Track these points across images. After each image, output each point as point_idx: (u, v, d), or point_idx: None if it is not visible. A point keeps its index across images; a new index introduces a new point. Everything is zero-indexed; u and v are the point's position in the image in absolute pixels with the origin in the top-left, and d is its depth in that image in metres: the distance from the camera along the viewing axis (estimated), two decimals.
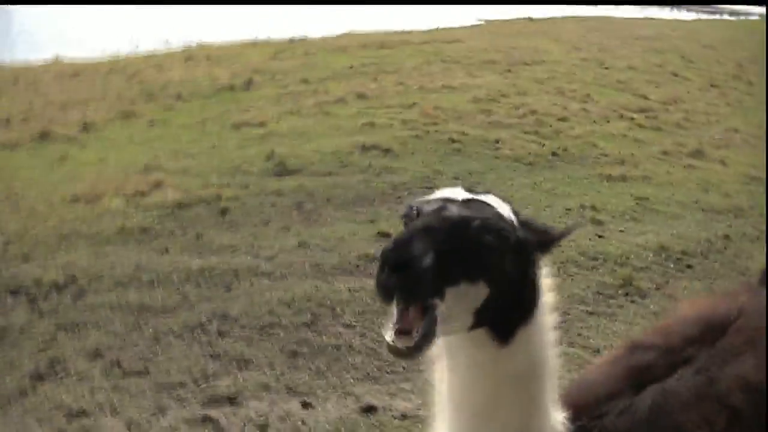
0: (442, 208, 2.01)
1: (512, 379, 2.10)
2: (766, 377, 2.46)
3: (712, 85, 17.49)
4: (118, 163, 10.71)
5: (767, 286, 2.97)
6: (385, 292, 1.88)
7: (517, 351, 2.09)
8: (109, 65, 18.12)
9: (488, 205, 2.07)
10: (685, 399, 2.34)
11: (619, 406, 2.31)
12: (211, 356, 5.91)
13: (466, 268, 1.95)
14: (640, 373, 2.45)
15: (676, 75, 18.42)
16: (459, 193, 2.10)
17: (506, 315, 2.06)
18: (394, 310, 1.95)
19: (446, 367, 2.17)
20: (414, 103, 14.43)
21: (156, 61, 18.65)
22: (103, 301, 6.71)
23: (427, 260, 1.86)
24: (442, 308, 1.92)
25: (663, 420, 2.28)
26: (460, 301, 1.94)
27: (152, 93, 15.09)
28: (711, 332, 2.61)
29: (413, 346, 1.90)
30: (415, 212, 2.04)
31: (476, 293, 1.97)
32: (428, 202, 2.08)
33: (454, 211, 2.00)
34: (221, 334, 6.24)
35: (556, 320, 2.19)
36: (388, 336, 1.93)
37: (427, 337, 1.91)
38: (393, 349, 1.92)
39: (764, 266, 3.24)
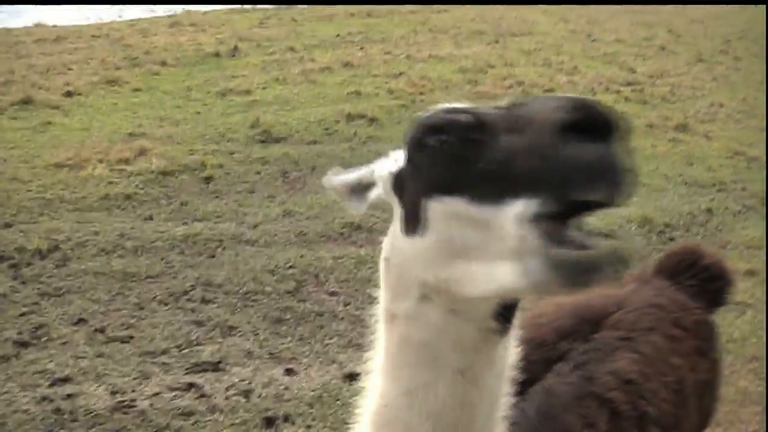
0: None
1: (495, 386, 1.64)
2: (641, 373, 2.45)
3: (699, 60, 17.49)
4: (102, 130, 10.62)
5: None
6: (601, 170, 1.22)
7: (508, 343, 1.62)
8: (93, 30, 17.86)
9: None
10: (567, 399, 2.28)
11: (512, 416, 2.22)
12: (195, 323, 5.92)
13: None
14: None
15: (663, 49, 18.41)
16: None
17: None
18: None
19: (406, 391, 1.62)
20: (401, 73, 14.37)
21: (140, 27, 18.42)
22: (86, 268, 6.70)
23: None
24: None
25: (550, 424, 2.21)
26: None
27: (137, 59, 14.93)
28: (586, 325, 2.55)
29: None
30: (465, 117, 1.44)
31: None
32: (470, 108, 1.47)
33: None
34: (205, 301, 6.25)
35: None
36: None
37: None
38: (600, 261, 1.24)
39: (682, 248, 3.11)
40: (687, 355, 2.64)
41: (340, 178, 1.83)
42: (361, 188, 1.82)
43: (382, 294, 1.70)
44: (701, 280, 2.91)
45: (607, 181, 1.22)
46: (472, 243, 1.38)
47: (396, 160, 1.73)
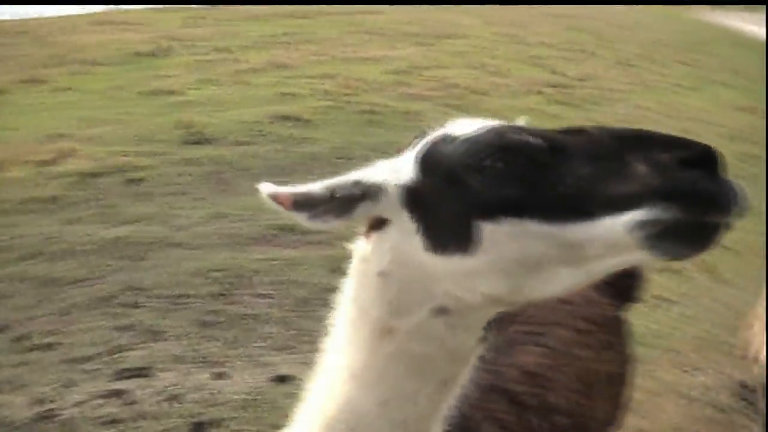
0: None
1: (456, 391, 1.73)
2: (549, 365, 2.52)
3: (626, 64, 17.96)
4: (26, 130, 10.32)
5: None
6: (730, 197, 1.35)
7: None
8: (17, 27, 17.35)
9: None
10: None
11: None
12: (123, 328, 5.81)
13: None
14: None
15: (591, 53, 18.83)
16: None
17: None
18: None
19: (382, 401, 1.62)
20: (333, 74, 14.35)
21: (67, 25, 17.95)
22: (9, 273, 6.52)
23: None
24: None
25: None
26: None
27: (64, 57, 14.54)
28: (501, 323, 2.64)
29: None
30: (535, 140, 1.47)
31: None
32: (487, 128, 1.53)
33: None
34: (133, 305, 6.14)
35: None
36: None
37: None
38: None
39: None
40: (595, 347, 2.72)
41: (292, 187, 1.58)
42: (336, 200, 1.57)
43: (370, 307, 1.62)
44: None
45: (734, 208, 1.34)
46: (552, 255, 1.42)
47: (394, 170, 1.60)
